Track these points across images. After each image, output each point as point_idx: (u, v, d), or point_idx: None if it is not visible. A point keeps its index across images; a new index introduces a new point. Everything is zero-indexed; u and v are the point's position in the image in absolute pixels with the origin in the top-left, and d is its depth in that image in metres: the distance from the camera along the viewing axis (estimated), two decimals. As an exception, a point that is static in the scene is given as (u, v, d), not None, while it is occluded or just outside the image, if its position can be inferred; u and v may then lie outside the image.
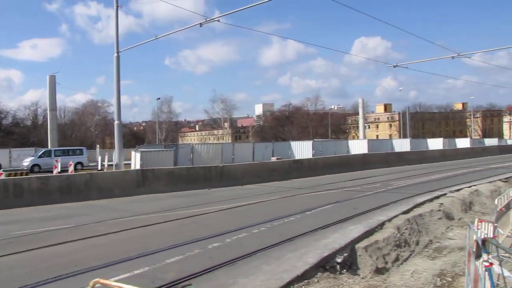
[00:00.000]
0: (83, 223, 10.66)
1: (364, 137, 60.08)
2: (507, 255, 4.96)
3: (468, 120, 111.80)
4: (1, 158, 35.20)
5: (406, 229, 10.40)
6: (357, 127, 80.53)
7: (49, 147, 36.77)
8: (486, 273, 3.96)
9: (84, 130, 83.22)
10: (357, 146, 43.73)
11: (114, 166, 23.94)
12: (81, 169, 30.38)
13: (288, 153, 39.68)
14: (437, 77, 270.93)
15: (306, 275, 6.64)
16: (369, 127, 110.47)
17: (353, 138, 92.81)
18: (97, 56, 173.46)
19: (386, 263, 8.59)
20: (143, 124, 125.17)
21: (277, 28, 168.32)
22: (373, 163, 28.90)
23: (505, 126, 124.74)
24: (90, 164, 34.67)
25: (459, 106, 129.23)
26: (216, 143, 49.25)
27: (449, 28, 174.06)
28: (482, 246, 4.30)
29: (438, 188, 16.41)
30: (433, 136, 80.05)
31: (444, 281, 7.57)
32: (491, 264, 4.01)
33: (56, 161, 26.11)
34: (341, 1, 18.03)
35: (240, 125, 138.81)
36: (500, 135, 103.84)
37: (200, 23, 20.12)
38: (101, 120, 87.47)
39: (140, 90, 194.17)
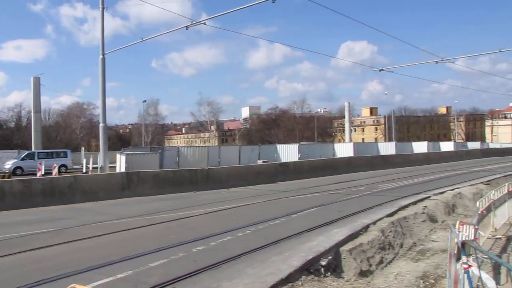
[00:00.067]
0: (66, 226, 10.52)
1: (350, 141, 60.40)
2: (486, 257, 5.03)
3: (452, 124, 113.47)
4: (-18, 160, 34.52)
5: (391, 231, 10.49)
6: (343, 130, 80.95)
7: (32, 149, 36.23)
8: (465, 275, 4.02)
9: (70, 133, 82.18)
10: (343, 149, 44.00)
11: (99, 169, 23.68)
12: (65, 172, 30.01)
13: (274, 156, 39.77)
14: (422, 81, 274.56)
15: (290, 278, 6.64)
16: (355, 131, 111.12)
17: (339, 141, 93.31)
18: (83, 58, 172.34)
19: (370, 265, 8.66)
20: (129, 127, 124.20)
21: (264, 32, 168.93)
22: (359, 166, 29.09)
23: (487, 130, 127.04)
24: (75, 166, 34.25)
25: (443, 110, 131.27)
26: (202, 146, 49.16)
27: (433, 33, 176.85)
28: (462, 249, 4.37)
29: (422, 191, 16.59)
30: (418, 139, 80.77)
31: (427, 283, 7.65)
32: (469, 266, 4.07)
33: (40, 163, 25.77)
34: (327, 5, 18.19)
35: (226, 128, 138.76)
36: (482, 139, 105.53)
37: (186, 26, 20.10)
38: (87, 123, 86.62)
39: (127, 92, 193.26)
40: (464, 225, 6.55)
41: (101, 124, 22.44)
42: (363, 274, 8.08)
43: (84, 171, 30.50)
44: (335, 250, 8.26)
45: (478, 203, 9.91)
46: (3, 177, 24.96)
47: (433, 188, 17.48)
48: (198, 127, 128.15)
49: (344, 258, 8.24)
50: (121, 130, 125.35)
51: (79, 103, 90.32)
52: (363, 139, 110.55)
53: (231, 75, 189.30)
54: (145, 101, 78.49)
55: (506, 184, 13.20)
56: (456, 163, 37.31)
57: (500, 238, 10.79)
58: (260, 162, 33.15)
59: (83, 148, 45.91)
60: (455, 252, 4.97)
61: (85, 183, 15.77)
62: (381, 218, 11.33)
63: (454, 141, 72.29)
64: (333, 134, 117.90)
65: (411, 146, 52.06)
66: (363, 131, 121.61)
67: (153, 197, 16.15)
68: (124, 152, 28.85)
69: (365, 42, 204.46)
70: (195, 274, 6.51)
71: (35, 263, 7.22)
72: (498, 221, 11.83)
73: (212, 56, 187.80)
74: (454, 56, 37.78)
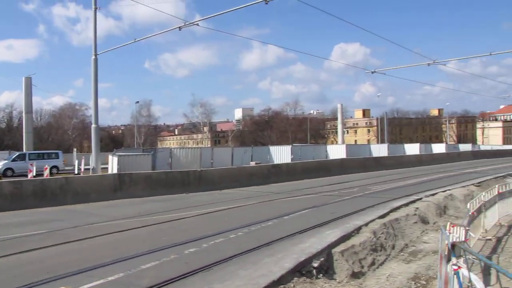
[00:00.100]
0: (57, 228, 10.44)
1: (343, 142, 60.54)
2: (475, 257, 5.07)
3: (443, 126, 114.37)
4: (-27, 161, 34.17)
5: (382, 233, 10.54)
6: (336, 132, 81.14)
7: (24, 150, 35.92)
8: (455, 276, 4.05)
9: (62, 133, 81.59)
10: (336, 151, 44.11)
11: (91, 170, 23.53)
12: (57, 173, 29.76)
13: (267, 157, 39.76)
14: (414, 84, 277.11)
15: (282, 280, 6.65)
16: (347, 132, 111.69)
17: (332, 143, 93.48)
18: (75, 58, 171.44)
19: (362, 267, 8.68)
20: (122, 128, 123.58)
21: (257, 33, 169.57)
22: (351, 168, 29.15)
23: (478, 132, 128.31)
24: (67, 168, 33.95)
25: (435, 112, 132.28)
26: (195, 148, 49.09)
27: (426, 35, 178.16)
28: (452, 250, 4.40)
29: (414, 193, 16.69)
30: (410, 141, 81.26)
31: (419, 284, 7.70)
32: (459, 267, 4.10)
33: (31, 164, 25.52)
34: (320, 7, 18.25)
35: (219, 130, 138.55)
36: (473, 141, 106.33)
37: (179, 27, 20.05)
38: (79, 123, 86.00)
39: (119, 93, 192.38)
40: (455, 227, 6.59)
41: (93, 125, 22.33)
42: (355, 275, 8.11)
43: (76, 172, 30.25)
44: (327, 252, 8.28)
45: (469, 204, 9.99)
46: (-6, 178, 24.70)
47: (425, 190, 17.59)
48: (191, 129, 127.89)
49: (336, 260, 8.26)
50: (113, 131, 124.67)
51: (71, 104, 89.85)
52: (355, 141, 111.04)
53: (224, 76, 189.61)
54: (138, 102, 78.28)
55: (496, 185, 13.33)
56: (447, 165, 37.58)
57: (490, 239, 10.88)
58: (252, 163, 33.12)
59: (75, 149, 45.56)
60: (446, 253, 5.00)
61: (77, 185, 15.67)
62: (373, 220, 11.38)
63: (446, 143, 72.73)
64: (326, 136, 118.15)
65: (404, 148, 52.29)
66: (356, 133, 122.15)
67: (145, 198, 16.08)
68: (117, 154, 28.71)
69: (358, 44, 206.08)
70: (186, 276, 6.49)
71: (25, 266, 7.16)
72: (489, 222, 11.95)
73: (205, 57, 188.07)
74: (446, 59, 37.97)
